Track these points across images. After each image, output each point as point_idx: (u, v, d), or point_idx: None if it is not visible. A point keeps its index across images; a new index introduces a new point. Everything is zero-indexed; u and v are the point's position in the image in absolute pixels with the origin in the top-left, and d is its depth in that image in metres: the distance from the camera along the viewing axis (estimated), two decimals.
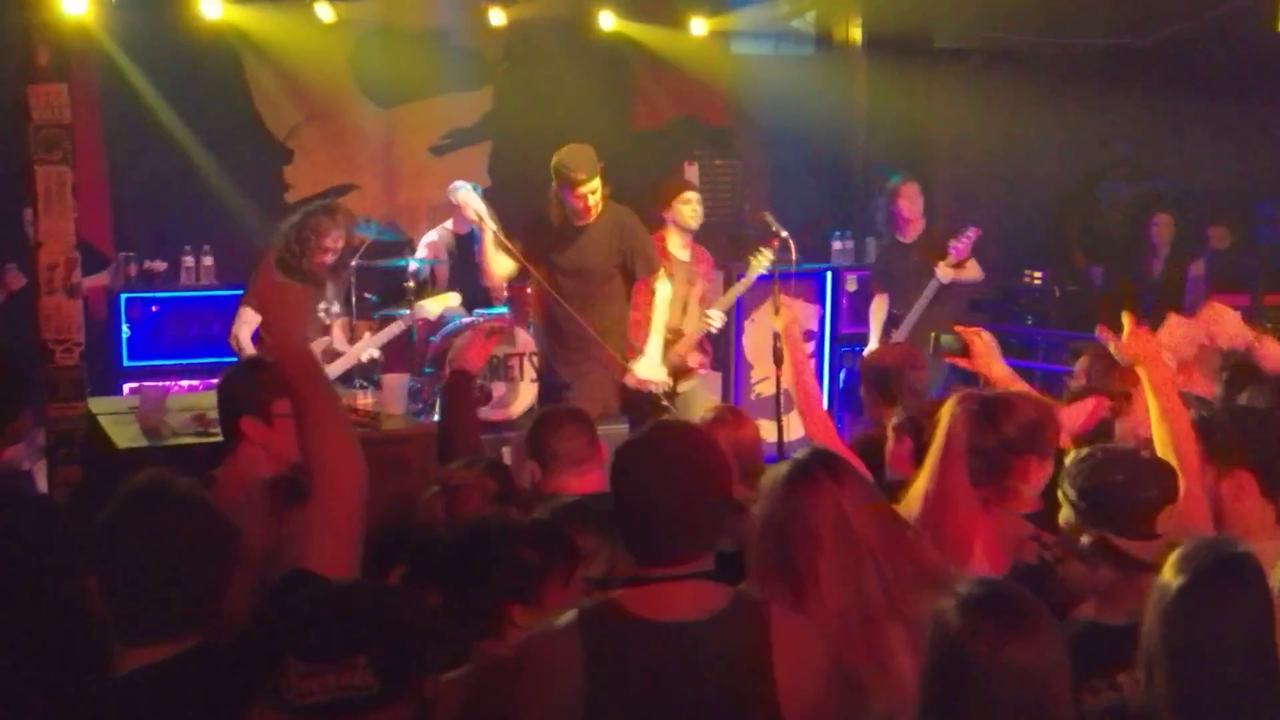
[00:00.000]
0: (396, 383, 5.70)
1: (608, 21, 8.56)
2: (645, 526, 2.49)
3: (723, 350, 8.00)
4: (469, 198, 6.05)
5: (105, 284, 7.59)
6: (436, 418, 6.47)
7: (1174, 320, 3.87)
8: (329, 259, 6.22)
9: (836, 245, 9.14)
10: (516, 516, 3.23)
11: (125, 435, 4.92)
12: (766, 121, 9.33)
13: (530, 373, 6.62)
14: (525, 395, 6.63)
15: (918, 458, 3.40)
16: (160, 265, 7.86)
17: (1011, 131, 9.06)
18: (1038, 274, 9.42)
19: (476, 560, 2.71)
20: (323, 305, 6.21)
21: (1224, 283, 8.58)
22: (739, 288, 6.88)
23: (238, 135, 8.15)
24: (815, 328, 8.78)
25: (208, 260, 7.86)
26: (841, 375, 8.69)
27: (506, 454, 6.60)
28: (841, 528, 2.67)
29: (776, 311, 6.32)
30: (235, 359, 5.99)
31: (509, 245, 6.09)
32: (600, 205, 5.97)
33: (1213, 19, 8.48)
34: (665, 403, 6.34)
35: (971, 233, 7.38)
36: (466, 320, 7.52)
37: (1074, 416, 3.99)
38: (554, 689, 2.40)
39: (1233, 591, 2.30)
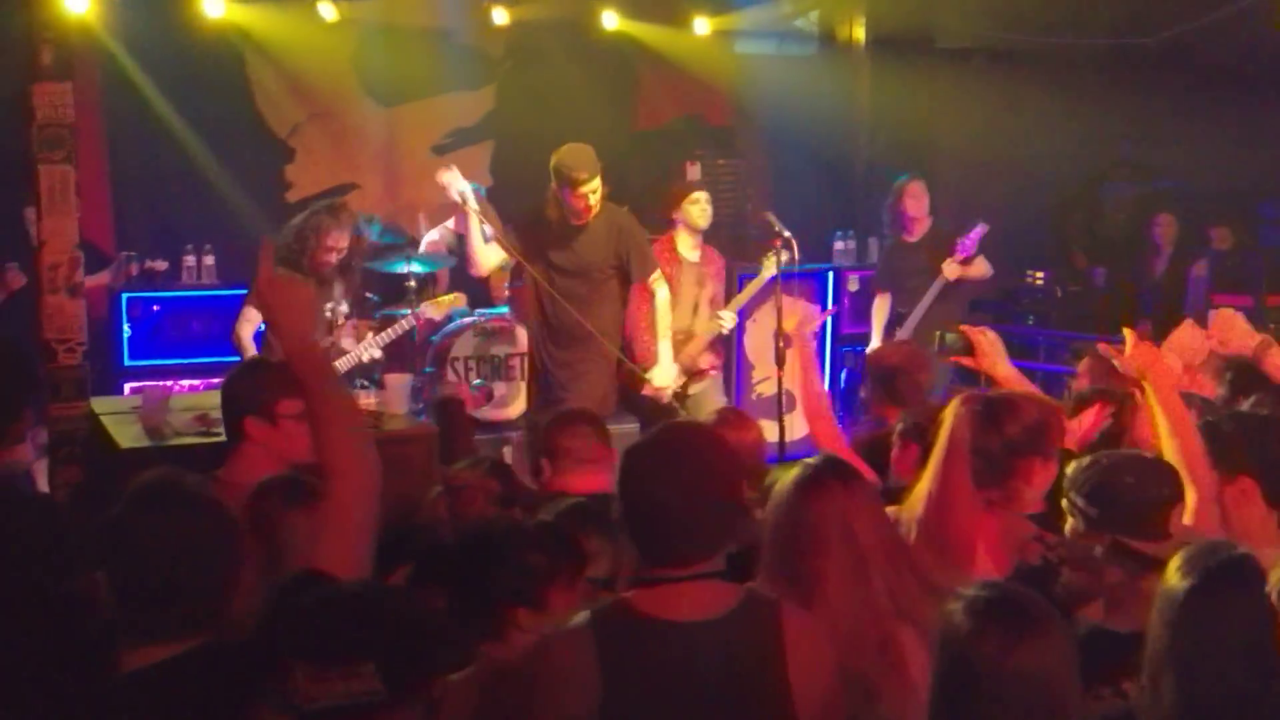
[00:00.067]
0: (399, 382, 5.68)
1: (610, 21, 8.56)
2: (656, 528, 2.49)
3: (723, 351, 8.00)
4: (453, 179, 6.02)
5: (106, 283, 7.58)
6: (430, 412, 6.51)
7: (1186, 326, 3.87)
8: (332, 258, 6.18)
9: (839, 245, 9.12)
10: (520, 518, 3.23)
11: (127, 435, 4.91)
12: (769, 121, 9.33)
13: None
14: (525, 395, 6.63)
15: (922, 463, 3.40)
16: (161, 264, 7.86)
17: (1014, 131, 9.05)
18: (1040, 274, 9.41)
19: (482, 563, 2.71)
20: (329, 305, 6.20)
21: (1226, 283, 8.58)
22: (751, 288, 6.84)
23: (239, 134, 8.15)
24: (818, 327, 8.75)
25: (209, 259, 7.85)
26: (843, 375, 8.69)
27: (508, 454, 6.62)
28: (850, 535, 2.69)
29: (779, 314, 6.36)
30: (237, 359, 5.98)
31: (495, 232, 6.07)
32: (598, 206, 5.96)
33: (1216, 19, 8.47)
34: (676, 404, 6.34)
35: (979, 229, 7.32)
36: (468, 320, 7.53)
37: (1078, 426, 3.99)
38: (570, 690, 2.41)
39: (1239, 593, 2.29)
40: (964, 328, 4.29)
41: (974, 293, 7.88)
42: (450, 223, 7.22)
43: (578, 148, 5.88)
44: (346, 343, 6.32)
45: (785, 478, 2.81)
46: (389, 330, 6.51)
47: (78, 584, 2.64)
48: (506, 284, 7.77)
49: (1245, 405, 4.06)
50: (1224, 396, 4.31)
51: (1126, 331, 3.45)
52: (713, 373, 6.84)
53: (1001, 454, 3.29)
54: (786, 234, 6.38)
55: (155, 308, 7.69)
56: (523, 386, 6.64)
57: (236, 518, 2.47)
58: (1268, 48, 8.69)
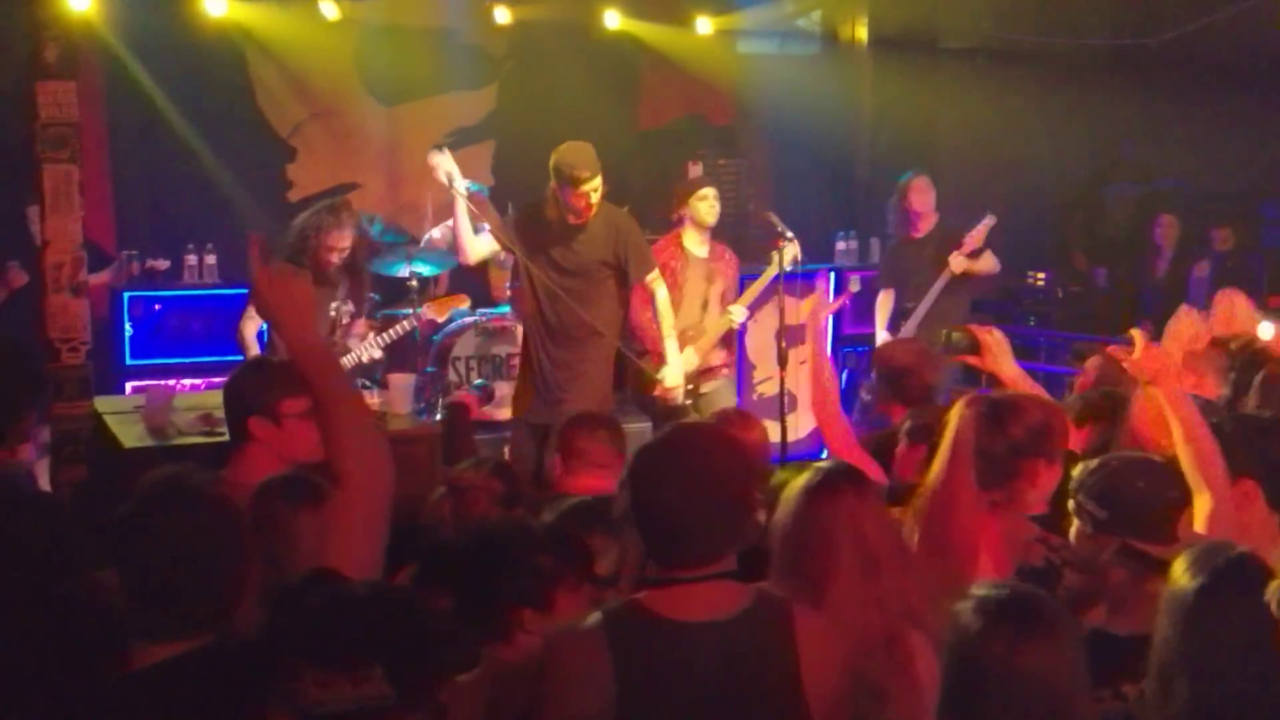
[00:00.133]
0: (403, 382, 5.67)
1: (613, 20, 8.56)
2: (668, 529, 2.49)
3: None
4: (442, 160, 6.00)
5: (108, 282, 7.58)
6: (438, 417, 6.50)
7: (1183, 313, 3.84)
8: (333, 258, 6.16)
9: (840, 245, 9.12)
10: (525, 518, 3.23)
11: (131, 435, 4.91)
12: (771, 121, 9.32)
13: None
14: (517, 394, 6.59)
15: (928, 464, 3.39)
16: (163, 263, 7.86)
17: (1016, 132, 9.05)
18: (1041, 275, 9.42)
19: (489, 565, 2.70)
20: (333, 304, 6.19)
21: (1228, 284, 8.48)
22: (760, 281, 6.81)
23: (241, 133, 8.15)
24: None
25: (210, 258, 7.85)
26: (844, 375, 8.68)
27: (509, 453, 6.61)
28: (861, 538, 2.69)
29: (781, 314, 6.35)
30: (239, 357, 5.96)
31: (494, 226, 6.06)
32: (597, 205, 5.94)
33: (1218, 20, 8.47)
34: (689, 401, 6.33)
35: (987, 220, 7.24)
36: (469, 320, 7.52)
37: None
38: (583, 691, 2.40)
39: (1247, 592, 2.29)
40: (971, 327, 4.28)
41: (978, 290, 7.84)
42: (451, 221, 7.21)
43: (578, 146, 5.85)
44: (351, 342, 6.31)
45: (796, 481, 2.81)
46: (390, 331, 6.49)
47: (79, 583, 2.63)
48: (508, 284, 7.76)
49: (1250, 398, 4.04)
50: (1227, 396, 4.31)
51: (1135, 333, 3.43)
52: (725, 372, 6.82)
53: (1005, 455, 3.28)
54: (789, 235, 6.38)
55: (157, 307, 7.69)
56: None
57: (244, 516, 2.45)
58: (1270, 48, 8.70)
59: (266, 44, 8.10)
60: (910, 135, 9.19)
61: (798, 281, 6.61)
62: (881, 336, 7.47)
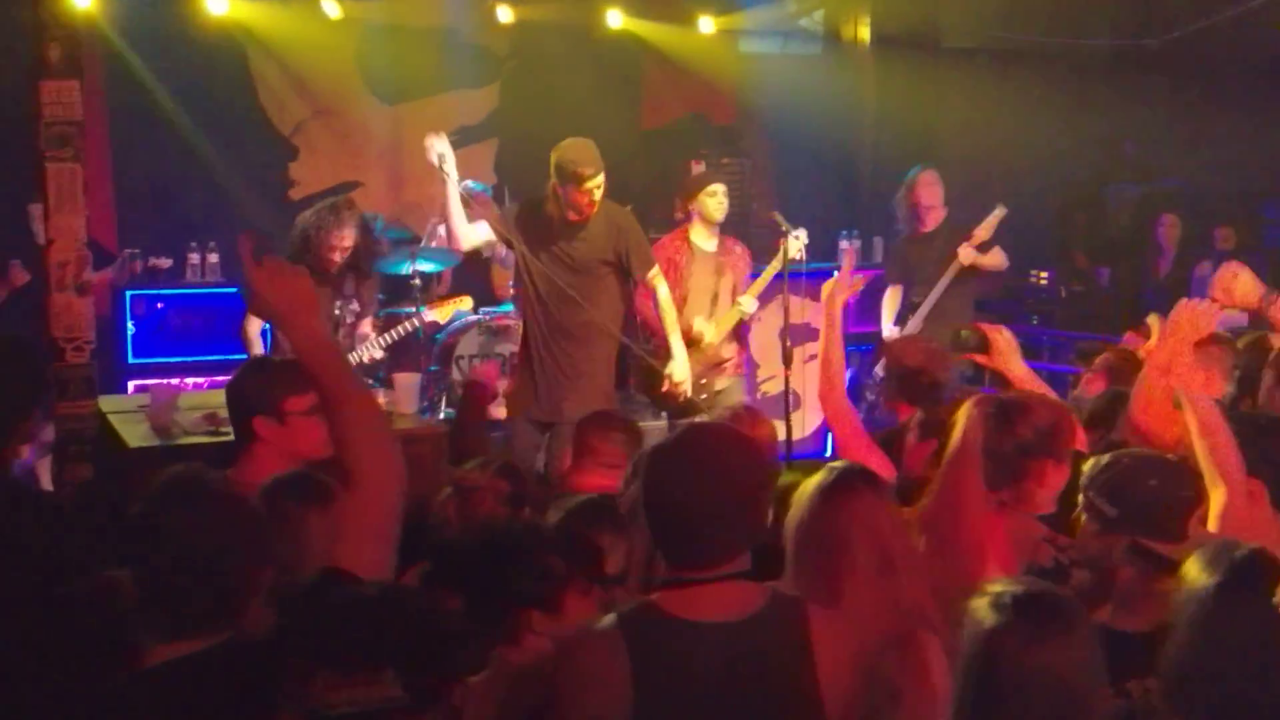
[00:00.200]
0: (409, 381, 5.63)
1: (616, 19, 8.56)
2: (682, 530, 2.48)
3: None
4: (435, 140, 5.98)
5: (110, 280, 7.57)
6: (442, 416, 6.48)
7: (1183, 305, 3.82)
8: (336, 257, 6.15)
9: (844, 244, 9.11)
10: (534, 519, 3.21)
11: (135, 434, 4.89)
12: (774, 120, 9.32)
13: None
14: (511, 392, 6.57)
15: (937, 460, 3.39)
16: (165, 262, 7.87)
17: (1019, 131, 9.04)
18: (1044, 274, 9.41)
19: (499, 566, 2.69)
20: (338, 303, 6.18)
21: None
22: (769, 272, 6.77)
23: (243, 131, 8.16)
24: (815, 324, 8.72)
25: (213, 257, 7.86)
26: (848, 375, 8.66)
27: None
28: (875, 538, 2.69)
29: (785, 313, 6.34)
30: (242, 356, 5.95)
31: (493, 218, 6.04)
32: (597, 203, 5.92)
33: (1221, 20, 8.47)
34: (703, 395, 6.32)
35: (997, 212, 7.15)
36: (473, 318, 7.51)
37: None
38: (600, 692, 2.40)
39: (1262, 588, 2.29)
40: (981, 325, 4.27)
41: (983, 288, 7.78)
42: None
43: (580, 143, 5.82)
44: (354, 341, 6.30)
45: (810, 481, 2.81)
46: (393, 330, 6.47)
47: (92, 583, 2.62)
48: (511, 282, 7.74)
49: (1261, 396, 4.03)
50: (1231, 394, 4.30)
51: (1152, 319, 3.43)
52: (735, 369, 6.80)
53: (1013, 455, 3.29)
54: (793, 233, 6.37)
55: (159, 305, 7.69)
56: None
57: (260, 515, 2.43)
58: (1272, 49, 8.70)
59: (268, 42, 8.10)
60: (912, 135, 9.19)
61: (802, 280, 6.60)
62: (890, 331, 7.44)
